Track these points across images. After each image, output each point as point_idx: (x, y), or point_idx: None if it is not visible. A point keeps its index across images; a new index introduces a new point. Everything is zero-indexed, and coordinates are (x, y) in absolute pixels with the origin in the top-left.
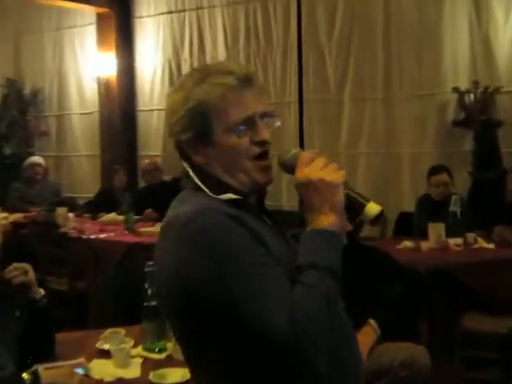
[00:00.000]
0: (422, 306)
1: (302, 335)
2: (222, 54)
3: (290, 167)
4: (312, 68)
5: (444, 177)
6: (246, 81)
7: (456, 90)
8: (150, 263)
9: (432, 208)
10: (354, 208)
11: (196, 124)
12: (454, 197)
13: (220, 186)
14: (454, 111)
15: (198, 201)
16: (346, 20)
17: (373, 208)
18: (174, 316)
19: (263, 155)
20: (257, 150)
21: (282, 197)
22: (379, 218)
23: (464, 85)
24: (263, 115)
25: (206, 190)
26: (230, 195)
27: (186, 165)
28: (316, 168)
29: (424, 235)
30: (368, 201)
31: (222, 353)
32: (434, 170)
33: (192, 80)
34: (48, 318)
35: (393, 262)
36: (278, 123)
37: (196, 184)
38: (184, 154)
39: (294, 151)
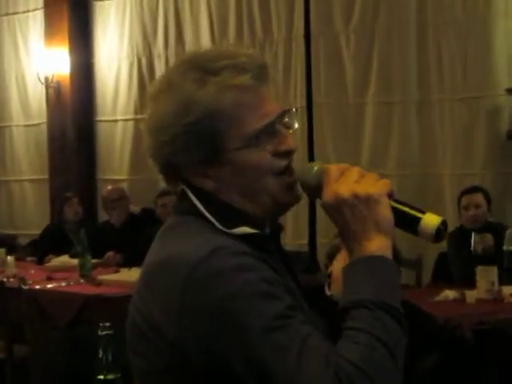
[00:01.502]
0: (468, 380)
1: None
2: (206, 47)
3: (315, 188)
4: (324, 63)
5: (477, 197)
6: (262, 76)
7: (511, 91)
8: (106, 325)
9: (467, 243)
10: (406, 224)
11: (201, 143)
12: (508, 232)
13: (231, 214)
14: (509, 119)
15: (205, 236)
16: (369, 0)
17: (431, 221)
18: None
19: (288, 168)
20: (282, 162)
21: (286, 233)
22: (442, 233)
23: None
24: (282, 115)
25: (214, 222)
26: (245, 229)
27: (184, 187)
28: (348, 182)
29: (470, 282)
30: (423, 212)
31: None
32: (466, 190)
33: (188, 79)
34: None
35: (428, 320)
36: (296, 125)
37: (197, 211)
38: (179, 175)
39: (317, 167)
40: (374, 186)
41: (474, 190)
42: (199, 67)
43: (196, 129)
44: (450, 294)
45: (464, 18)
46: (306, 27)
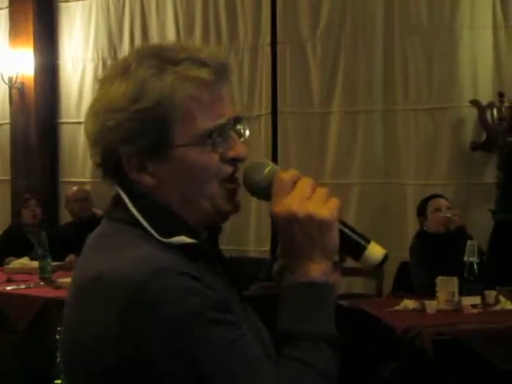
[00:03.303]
0: None
1: None
2: None
3: (264, 192)
4: (290, 71)
5: (444, 201)
6: (222, 74)
7: (475, 103)
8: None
9: (433, 250)
10: (350, 250)
11: (148, 132)
12: (469, 243)
13: (169, 222)
14: (472, 131)
15: (142, 250)
16: (336, 9)
17: (375, 252)
18: None
19: (232, 176)
20: (229, 169)
21: (248, 240)
22: (382, 264)
23: (486, 97)
24: (236, 121)
25: (150, 230)
26: (182, 238)
27: (117, 187)
28: (301, 197)
29: (430, 292)
30: (368, 242)
31: None
32: (430, 197)
33: (146, 65)
34: None
35: (386, 331)
36: (247, 132)
37: (132, 217)
38: (118, 172)
39: (268, 169)
40: (326, 206)
41: (438, 195)
42: (159, 55)
43: (145, 116)
44: (409, 303)
45: (430, 29)
46: (272, 35)
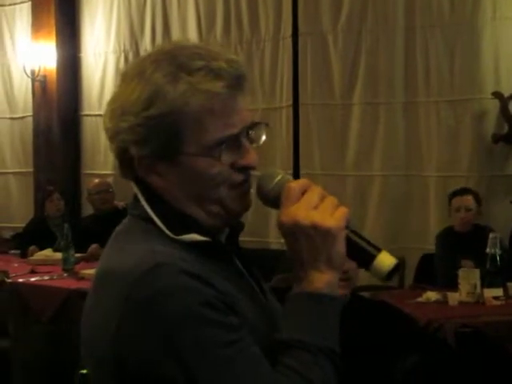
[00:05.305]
0: (448, 383)
1: None
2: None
3: (273, 200)
4: (311, 63)
5: (468, 199)
6: (238, 85)
7: (497, 95)
8: None
9: (457, 245)
10: (358, 260)
11: (158, 139)
12: (491, 235)
13: (181, 220)
14: (494, 123)
15: (150, 245)
16: (357, 0)
17: (386, 261)
18: None
19: (244, 183)
20: (239, 177)
21: (269, 232)
22: (393, 274)
23: (508, 89)
24: (250, 128)
25: (162, 227)
26: (194, 236)
27: (133, 185)
28: (307, 206)
29: (452, 284)
30: (379, 250)
31: None
32: (456, 192)
33: (161, 71)
34: None
35: (407, 323)
36: (264, 137)
37: (147, 214)
38: (132, 170)
39: (278, 178)
40: (333, 216)
41: (464, 192)
42: (175, 62)
43: (156, 123)
44: (432, 295)
45: (452, 21)
46: (293, 27)
